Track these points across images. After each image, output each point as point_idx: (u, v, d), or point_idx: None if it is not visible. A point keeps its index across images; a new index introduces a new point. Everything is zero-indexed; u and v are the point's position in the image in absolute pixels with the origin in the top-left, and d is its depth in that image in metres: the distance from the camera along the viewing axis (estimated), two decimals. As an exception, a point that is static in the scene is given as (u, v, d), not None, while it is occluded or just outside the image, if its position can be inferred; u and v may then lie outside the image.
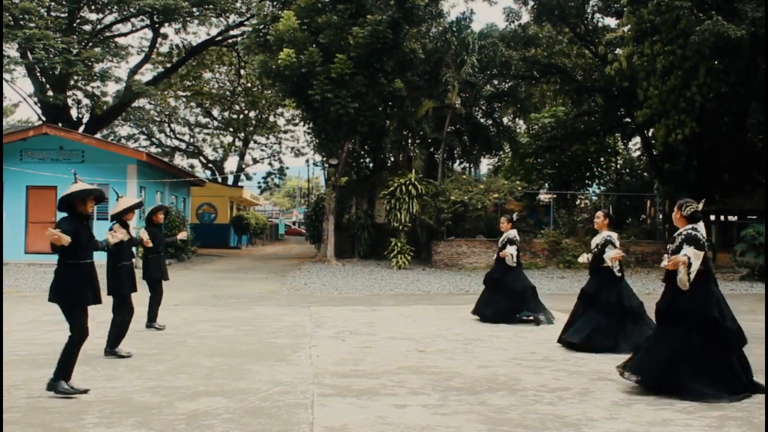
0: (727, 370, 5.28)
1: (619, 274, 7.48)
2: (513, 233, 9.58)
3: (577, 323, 7.44)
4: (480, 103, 29.89)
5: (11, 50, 26.19)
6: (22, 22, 24.11)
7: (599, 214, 7.88)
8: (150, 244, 7.96)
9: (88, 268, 5.41)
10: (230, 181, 44.28)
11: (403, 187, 21.51)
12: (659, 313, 5.55)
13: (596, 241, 7.69)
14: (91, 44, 26.98)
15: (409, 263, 21.01)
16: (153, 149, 43.20)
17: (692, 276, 5.25)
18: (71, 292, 5.42)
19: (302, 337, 7.91)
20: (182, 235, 9.02)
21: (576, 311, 7.59)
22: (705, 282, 5.35)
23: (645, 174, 33.69)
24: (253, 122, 44.43)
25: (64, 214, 5.52)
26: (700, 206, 5.58)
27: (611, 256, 7.32)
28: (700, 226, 5.52)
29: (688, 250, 5.32)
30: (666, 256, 5.53)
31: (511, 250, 9.42)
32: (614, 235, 7.65)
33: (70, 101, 28.14)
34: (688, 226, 5.54)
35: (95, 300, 5.54)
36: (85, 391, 5.20)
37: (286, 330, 8.51)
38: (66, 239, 4.98)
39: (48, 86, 26.65)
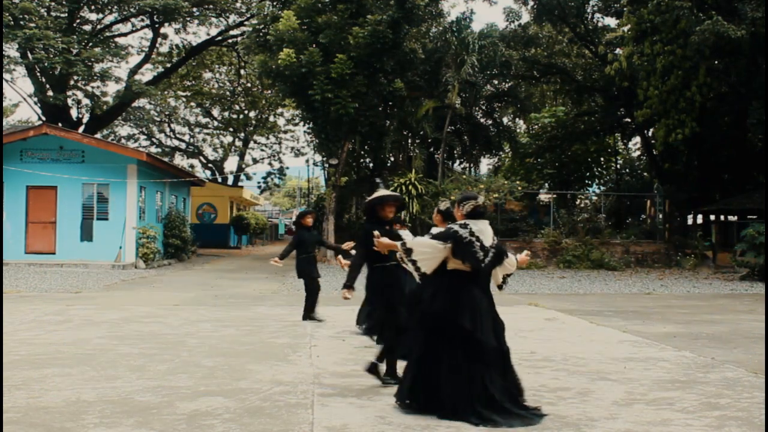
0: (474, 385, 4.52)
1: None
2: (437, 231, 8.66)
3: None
4: (480, 103, 29.91)
5: (11, 50, 26.21)
6: (22, 22, 24.10)
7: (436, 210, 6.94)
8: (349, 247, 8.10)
9: (396, 270, 5.45)
10: (230, 181, 44.30)
11: (403, 187, 21.52)
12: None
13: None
14: (91, 44, 26.98)
15: (410, 263, 20.99)
16: (153, 149, 43.22)
17: (421, 267, 4.67)
18: (386, 295, 5.56)
19: (302, 337, 7.91)
20: (348, 245, 8.42)
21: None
22: (460, 284, 4.70)
23: (645, 174, 33.70)
24: (253, 122, 44.44)
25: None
26: (481, 200, 4.91)
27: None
28: (476, 223, 4.76)
29: (416, 238, 4.92)
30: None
31: None
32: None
33: (70, 101, 28.15)
34: (460, 222, 4.81)
35: (401, 301, 5.51)
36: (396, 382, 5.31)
37: (286, 330, 8.51)
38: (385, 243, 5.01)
39: (48, 86, 26.66)
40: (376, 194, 5.72)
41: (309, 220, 9.31)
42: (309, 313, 9.24)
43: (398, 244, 4.83)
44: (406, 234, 7.73)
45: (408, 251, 4.70)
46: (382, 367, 5.50)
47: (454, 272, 4.71)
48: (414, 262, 4.69)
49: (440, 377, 4.56)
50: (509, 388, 4.62)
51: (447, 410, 4.48)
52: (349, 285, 5.54)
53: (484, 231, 4.78)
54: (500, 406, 4.46)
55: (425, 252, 4.69)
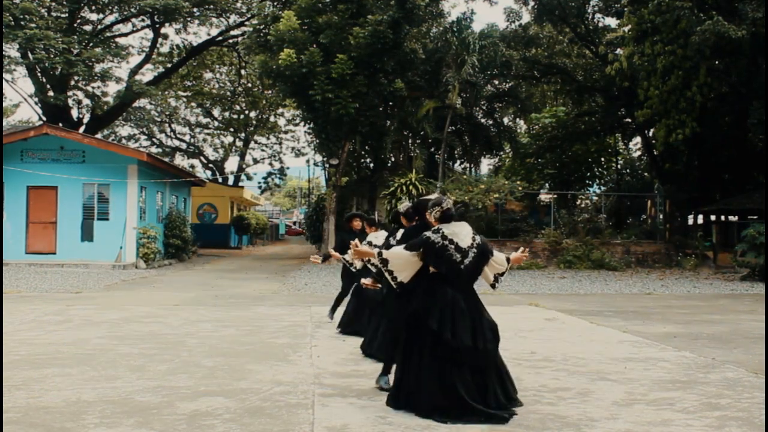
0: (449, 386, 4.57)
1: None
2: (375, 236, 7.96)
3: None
4: (480, 103, 29.92)
5: (12, 50, 26.23)
6: (22, 23, 24.12)
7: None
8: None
9: None
10: (231, 182, 44.32)
11: (404, 187, 21.52)
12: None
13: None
14: (91, 44, 27.00)
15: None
16: (153, 149, 43.23)
17: (398, 277, 4.74)
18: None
19: (303, 337, 7.91)
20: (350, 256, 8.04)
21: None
22: (436, 286, 4.74)
23: (645, 174, 33.69)
24: (254, 122, 44.45)
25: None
26: (449, 203, 4.90)
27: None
28: (449, 226, 4.78)
29: (392, 249, 4.92)
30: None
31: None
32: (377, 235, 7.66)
33: (70, 101, 28.17)
34: (434, 227, 4.83)
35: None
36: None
37: (286, 330, 8.51)
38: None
39: (49, 86, 26.67)
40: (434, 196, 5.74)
41: (356, 224, 8.83)
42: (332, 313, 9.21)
43: (375, 252, 4.87)
44: (380, 235, 7.71)
45: (384, 261, 4.78)
46: (390, 378, 5.34)
47: (433, 275, 4.79)
48: (390, 272, 4.78)
49: (418, 377, 4.65)
50: (489, 386, 4.63)
51: (423, 410, 4.57)
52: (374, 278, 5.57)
53: (458, 233, 4.79)
54: (470, 405, 4.50)
55: (399, 263, 4.77)
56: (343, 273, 9.02)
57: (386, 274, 4.79)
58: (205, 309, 10.62)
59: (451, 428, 4.37)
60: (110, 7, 27.76)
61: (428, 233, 4.77)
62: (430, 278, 4.79)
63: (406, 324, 4.82)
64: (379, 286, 6.22)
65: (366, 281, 5.95)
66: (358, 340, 7.20)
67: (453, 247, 4.72)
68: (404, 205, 6.45)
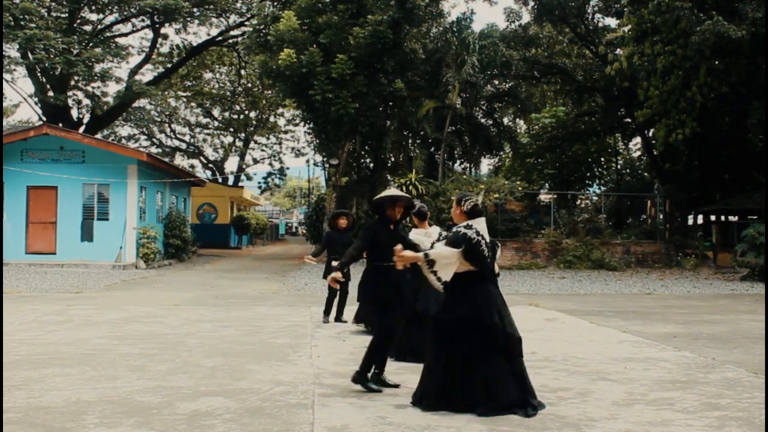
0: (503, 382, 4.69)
1: None
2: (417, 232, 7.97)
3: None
4: (480, 103, 29.92)
5: (12, 50, 26.23)
6: (22, 23, 24.13)
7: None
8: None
9: (392, 271, 5.33)
10: (231, 182, 44.30)
11: (404, 188, 21.51)
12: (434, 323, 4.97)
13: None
14: (91, 44, 27.01)
15: (410, 263, 20.99)
16: (153, 149, 43.22)
17: (442, 277, 4.71)
18: (378, 295, 5.45)
19: (303, 337, 7.91)
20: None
21: None
22: (476, 284, 4.79)
23: (645, 174, 33.70)
24: (254, 122, 44.46)
25: None
26: (479, 199, 5.30)
27: None
28: (477, 222, 4.87)
29: (437, 247, 4.99)
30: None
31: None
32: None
33: (70, 101, 28.17)
34: (463, 223, 4.90)
35: (401, 304, 5.45)
36: (396, 386, 5.39)
37: (286, 330, 8.52)
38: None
39: (48, 86, 26.67)
40: (387, 192, 5.67)
41: (342, 222, 9.10)
42: (331, 315, 9.19)
43: (421, 256, 4.79)
44: (434, 231, 7.19)
45: (431, 263, 4.72)
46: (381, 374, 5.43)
47: (465, 274, 4.78)
48: (435, 273, 4.72)
49: (473, 377, 4.68)
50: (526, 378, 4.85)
51: (501, 408, 4.61)
52: (338, 269, 5.42)
53: (485, 229, 4.88)
54: (524, 399, 4.68)
55: (445, 263, 4.72)
56: (325, 274, 9.05)
57: (431, 275, 4.72)
58: (205, 309, 10.62)
59: (451, 427, 4.37)
60: (110, 7, 27.76)
61: (464, 229, 4.78)
62: (462, 278, 4.77)
63: (448, 327, 4.77)
64: (338, 286, 6.33)
65: (334, 276, 5.73)
66: (359, 340, 7.19)
67: (483, 242, 4.79)
68: (418, 203, 6.46)
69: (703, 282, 17.21)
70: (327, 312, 9.18)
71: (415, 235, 6.57)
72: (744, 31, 18.63)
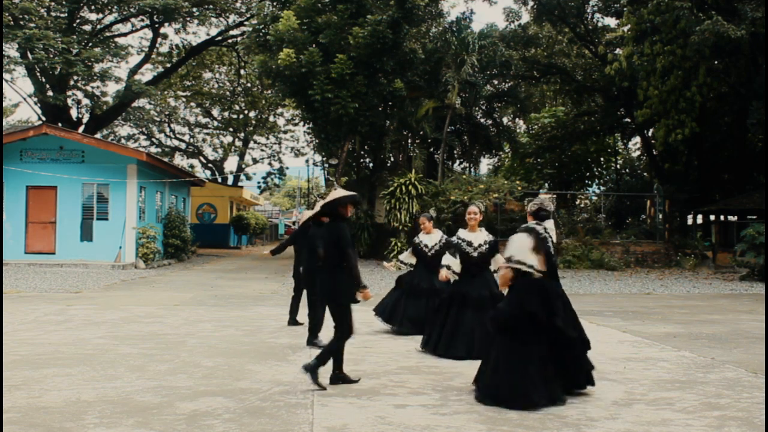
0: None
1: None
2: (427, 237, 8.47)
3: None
4: (480, 103, 29.92)
5: (11, 50, 26.20)
6: (22, 22, 24.12)
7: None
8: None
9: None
10: (230, 181, 44.29)
11: (403, 187, 21.49)
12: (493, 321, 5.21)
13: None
14: (91, 44, 26.99)
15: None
16: (153, 149, 43.22)
17: (534, 265, 5.09)
18: (342, 292, 5.61)
19: (302, 337, 7.90)
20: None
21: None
22: (531, 283, 5.09)
23: (645, 174, 33.73)
24: (253, 122, 44.45)
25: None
26: (544, 201, 5.50)
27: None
28: (547, 224, 5.36)
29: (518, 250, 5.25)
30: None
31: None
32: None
33: (70, 101, 28.14)
34: (532, 222, 5.37)
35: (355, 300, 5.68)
36: (356, 381, 5.63)
37: (286, 330, 8.52)
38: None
39: (48, 86, 26.65)
40: (341, 193, 5.77)
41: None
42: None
43: (510, 266, 5.12)
44: (437, 234, 8.28)
45: (520, 263, 5.10)
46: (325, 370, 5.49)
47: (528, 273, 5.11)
48: (531, 266, 5.08)
49: (543, 371, 4.96)
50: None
51: (543, 400, 4.83)
52: (363, 285, 5.50)
53: (552, 229, 5.41)
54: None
55: (528, 256, 5.11)
56: (294, 273, 8.91)
57: (526, 269, 5.06)
58: (205, 309, 10.62)
59: (451, 427, 4.37)
60: (110, 7, 27.73)
61: (534, 226, 5.26)
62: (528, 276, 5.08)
63: (517, 324, 5.00)
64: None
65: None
66: (359, 340, 7.19)
67: (549, 239, 5.28)
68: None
69: (702, 282, 17.22)
70: (294, 313, 9.07)
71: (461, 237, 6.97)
72: (744, 31, 18.63)
